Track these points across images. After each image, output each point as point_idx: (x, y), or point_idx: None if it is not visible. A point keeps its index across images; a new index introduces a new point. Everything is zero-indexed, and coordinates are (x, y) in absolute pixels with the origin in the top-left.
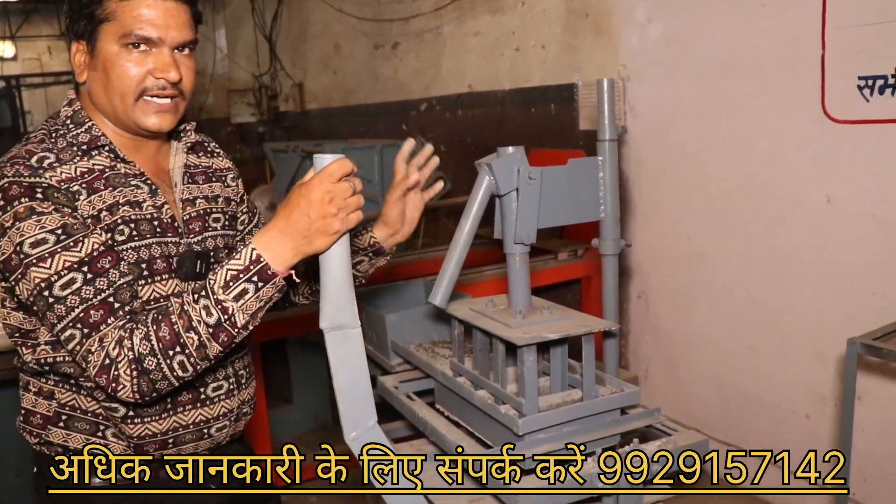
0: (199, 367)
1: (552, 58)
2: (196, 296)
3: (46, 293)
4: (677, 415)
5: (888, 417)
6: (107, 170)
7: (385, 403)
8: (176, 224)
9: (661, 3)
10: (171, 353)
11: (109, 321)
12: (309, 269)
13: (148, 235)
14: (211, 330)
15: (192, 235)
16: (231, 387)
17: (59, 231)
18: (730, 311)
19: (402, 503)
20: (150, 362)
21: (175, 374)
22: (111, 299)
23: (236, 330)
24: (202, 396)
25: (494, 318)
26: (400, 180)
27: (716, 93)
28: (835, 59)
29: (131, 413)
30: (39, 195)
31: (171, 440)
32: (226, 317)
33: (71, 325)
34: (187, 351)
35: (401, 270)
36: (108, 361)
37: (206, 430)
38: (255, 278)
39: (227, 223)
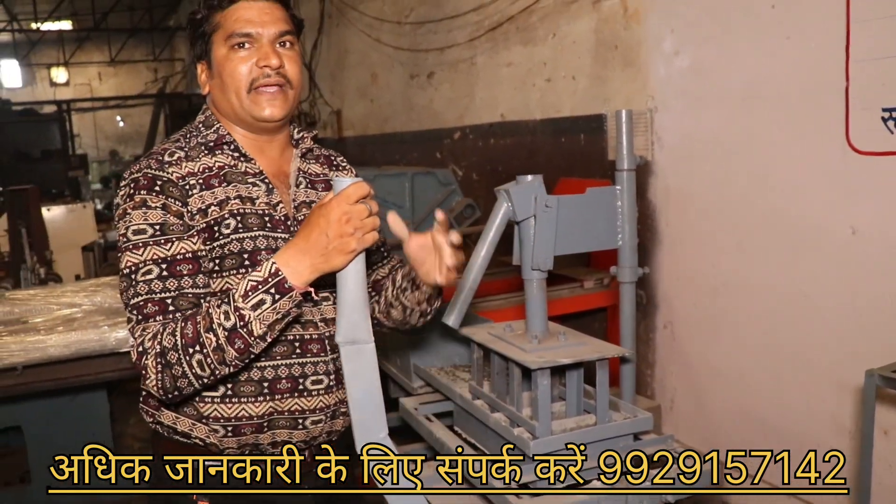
0: (217, 372)
1: (582, 89)
2: (219, 301)
3: (133, 276)
4: (700, 445)
5: None
6: (226, 167)
7: (406, 425)
8: (289, 223)
9: (689, 35)
10: (191, 350)
11: (158, 318)
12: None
13: (255, 228)
14: (227, 334)
15: None
16: (331, 383)
17: (158, 227)
18: (753, 340)
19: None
20: (173, 356)
21: (194, 371)
22: (169, 301)
23: (252, 338)
24: (300, 387)
25: (511, 343)
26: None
27: (741, 123)
28: (858, 91)
29: (230, 392)
30: (157, 188)
31: (266, 424)
32: (242, 323)
33: (132, 308)
34: (205, 351)
35: None
36: (141, 349)
37: (300, 421)
38: (272, 290)
39: None
